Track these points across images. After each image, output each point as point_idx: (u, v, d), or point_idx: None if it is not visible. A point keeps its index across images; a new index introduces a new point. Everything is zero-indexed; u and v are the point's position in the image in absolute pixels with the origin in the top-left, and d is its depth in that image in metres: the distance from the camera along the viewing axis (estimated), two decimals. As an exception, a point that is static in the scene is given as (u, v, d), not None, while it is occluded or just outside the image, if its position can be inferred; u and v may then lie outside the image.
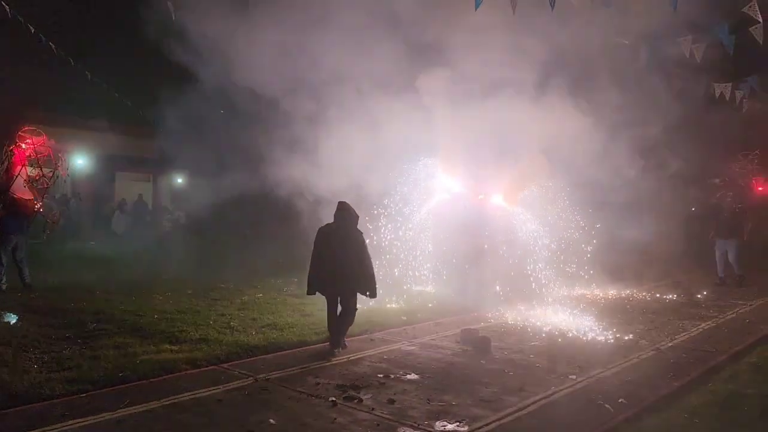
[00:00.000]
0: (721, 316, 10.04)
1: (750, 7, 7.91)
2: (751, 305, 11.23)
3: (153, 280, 12.44)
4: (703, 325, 9.33)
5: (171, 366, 6.47)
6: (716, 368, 6.95)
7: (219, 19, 10.34)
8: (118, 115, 20.94)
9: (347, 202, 7.72)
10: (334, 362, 6.91)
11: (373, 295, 7.51)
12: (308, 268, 7.61)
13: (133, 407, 5.21)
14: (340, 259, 7.40)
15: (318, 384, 6.06)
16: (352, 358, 7.01)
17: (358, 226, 7.65)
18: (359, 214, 7.74)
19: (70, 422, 4.80)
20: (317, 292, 7.65)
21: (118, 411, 5.10)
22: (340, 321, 7.50)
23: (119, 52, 22.84)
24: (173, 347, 7.22)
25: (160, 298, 10.48)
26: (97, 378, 5.91)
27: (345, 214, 7.56)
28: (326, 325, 7.68)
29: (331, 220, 7.70)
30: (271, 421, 5.01)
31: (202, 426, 4.85)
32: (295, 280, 13.23)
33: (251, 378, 6.18)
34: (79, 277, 12.47)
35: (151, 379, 6.05)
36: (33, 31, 9.88)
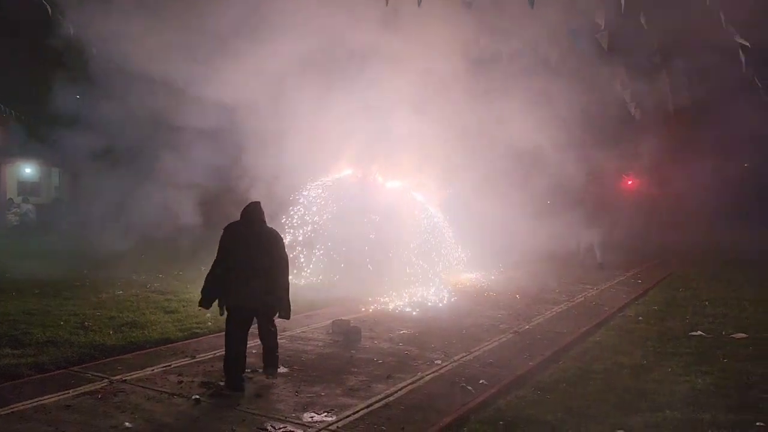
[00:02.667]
0: (571, 300, 10.89)
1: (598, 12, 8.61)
2: (598, 289, 12.29)
3: (-6, 279, 11.24)
4: (556, 308, 10.07)
5: (12, 372, 5.88)
6: (566, 348, 7.52)
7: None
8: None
9: (259, 202, 6.09)
10: (198, 359, 6.62)
11: (287, 316, 6.00)
12: (206, 273, 5.86)
13: (-37, 419, 4.66)
14: (260, 267, 5.72)
15: (181, 382, 5.78)
16: (218, 354, 6.72)
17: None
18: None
19: None
20: (218, 309, 5.84)
21: (-56, 425, 4.54)
22: (270, 351, 6.00)
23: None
24: (15, 351, 6.55)
25: (2, 298, 9.47)
26: None
27: (259, 213, 5.95)
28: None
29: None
30: (127, 424, 4.69)
31: (45, 435, 4.44)
32: (160, 276, 12.61)
33: (105, 380, 5.76)
34: None
35: (-13, 388, 5.45)
36: None
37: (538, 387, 5.98)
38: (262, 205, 6.05)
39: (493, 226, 14.10)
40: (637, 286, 12.70)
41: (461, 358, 6.87)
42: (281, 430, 4.71)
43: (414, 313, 9.45)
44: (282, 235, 6.26)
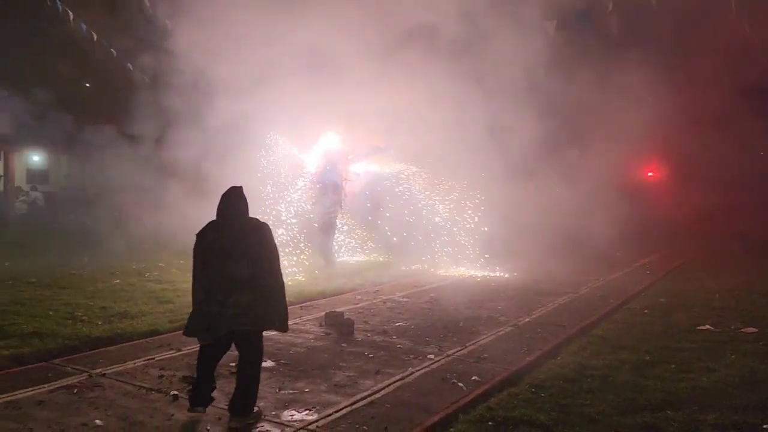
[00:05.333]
0: (576, 292, 10.58)
1: None
2: (604, 280, 11.96)
3: (-8, 268, 11.18)
4: (559, 300, 9.78)
5: (-9, 365, 5.72)
6: (566, 342, 7.23)
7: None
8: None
9: (241, 187, 4.99)
10: (184, 351, 6.43)
11: (284, 327, 4.89)
12: (192, 291, 4.77)
13: (-72, 416, 4.51)
14: (246, 278, 4.62)
15: (161, 377, 5.60)
16: (205, 346, 6.55)
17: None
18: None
19: None
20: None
21: None
22: (246, 380, 4.71)
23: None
24: (-1, 343, 6.40)
25: (-4, 287, 9.38)
26: None
27: (239, 203, 4.89)
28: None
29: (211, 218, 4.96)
30: (97, 422, 4.51)
31: (10, 433, 4.27)
32: (161, 264, 12.49)
33: (85, 374, 5.59)
34: None
35: (-38, 382, 5.30)
36: None
37: (533, 384, 5.70)
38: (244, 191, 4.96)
39: (501, 212, 13.82)
40: (645, 277, 12.35)
41: (456, 352, 6.63)
42: (258, 429, 4.51)
43: (412, 304, 9.23)
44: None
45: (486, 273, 12.50)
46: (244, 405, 4.66)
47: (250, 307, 4.60)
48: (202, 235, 4.84)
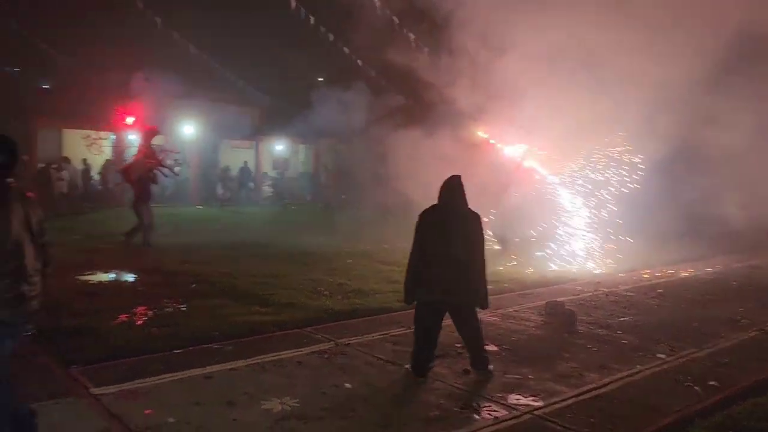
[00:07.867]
0: (842, 296, 9.14)
1: None
2: None
3: (251, 245, 13.09)
4: (819, 305, 8.54)
5: (259, 327, 6.79)
6: (827, 353, 6.37)
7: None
8: (226, 84, 22.26)
9: (459, 176, 5.61)
10: (413, 330, 6.97)
11: (484, 304, 5.58)
12: (406, 266, 5.55)
13: (221, 364, 5.56)
14: (456, 258, 5.30)
15: (395, 351, 6.17)
16: (432, 326, 7.04)
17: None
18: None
19: (164, 376, 5.20)
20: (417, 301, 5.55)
21: (207, 367, 5.46)
22: (471, 342, 5.56)
23: (221, 21, 24.01)
24: (262, 310, 7.57)
25: (256, 261, 11.01)
26: (192, 336, 6.33)
27: (458, 190, 5.51)
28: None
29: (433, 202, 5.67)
30: (347, 385, 5.17)
31: (280, 386, 5.10)
32: (386, 246, 13.48)
33: (332, 342, 6.39)
34: (186, 239, 13.40)
35: (240, 339, 6.39)
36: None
37: (784, 397, 5.18)
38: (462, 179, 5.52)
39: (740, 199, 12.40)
40: None
41: (689, 354, 6.23)
42: (486, 409, 4.79)
43: (638, 299, 8.79)
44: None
45: (724, 267, 11.33)
46: (479, 359, 5.51)
47: (453, 283, 5.31)
48: (423, 216, 5.53)
